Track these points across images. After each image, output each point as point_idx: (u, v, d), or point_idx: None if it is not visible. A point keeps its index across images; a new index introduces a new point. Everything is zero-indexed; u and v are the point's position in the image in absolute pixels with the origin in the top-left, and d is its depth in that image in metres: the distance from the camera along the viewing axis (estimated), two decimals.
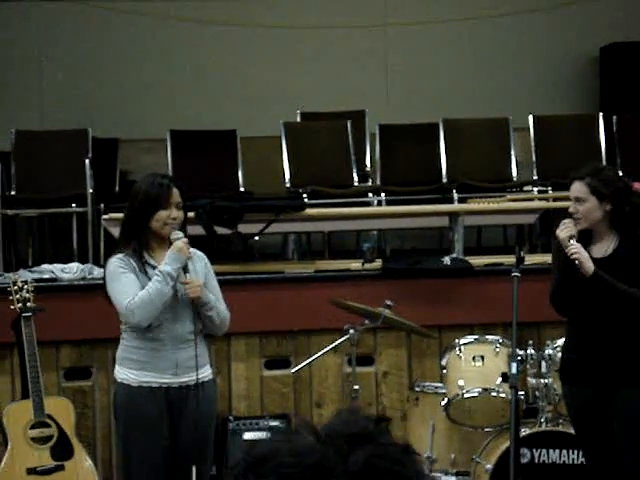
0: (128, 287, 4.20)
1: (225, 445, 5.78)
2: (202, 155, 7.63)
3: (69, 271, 6.11)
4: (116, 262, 4.26)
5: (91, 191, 7.23)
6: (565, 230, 4.26)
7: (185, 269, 4.23)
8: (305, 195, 7.23)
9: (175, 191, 4.25)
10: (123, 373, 4.30)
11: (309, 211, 6.60)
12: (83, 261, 6.51)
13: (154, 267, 4.25)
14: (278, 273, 6.32)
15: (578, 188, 4.28)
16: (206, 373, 4.37)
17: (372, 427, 1.24)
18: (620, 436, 4.27)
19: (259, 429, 5.78)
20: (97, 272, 6.13)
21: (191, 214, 6.36)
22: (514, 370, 4.36)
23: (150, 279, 4.21)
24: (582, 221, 4.27)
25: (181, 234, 4.25)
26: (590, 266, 4.20)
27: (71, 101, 8.63)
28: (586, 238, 4.33)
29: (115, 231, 6.60)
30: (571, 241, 4.24)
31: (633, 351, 4.26)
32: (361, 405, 5.50)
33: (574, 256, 4.20)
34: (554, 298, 4.42)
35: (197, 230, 6.36)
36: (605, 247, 4.33)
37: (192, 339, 4.26)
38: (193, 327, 4.26)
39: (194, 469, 4.23)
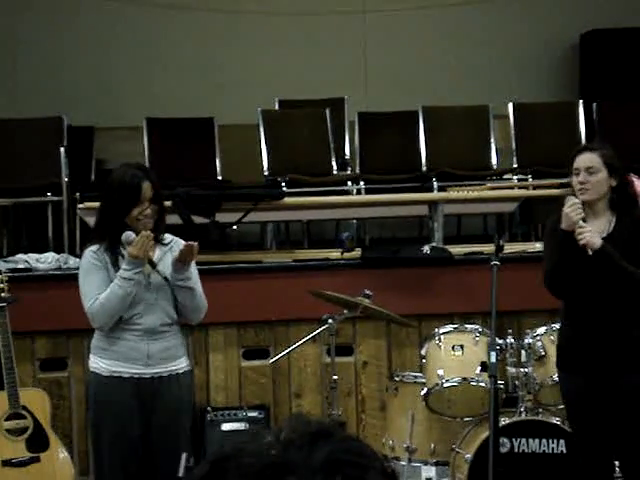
0: (94, 288, 4.17)
1: (203, 436, 5.73)
2: (179, 143, 7.56)
3: (44, 261, 6.04)
4: (90, 256, 4.22)
5: (66, 180, 7.15)
6: (577, 212, 4.13)
7: (152, 264, 4.18)
8: (283, 184, 7.18)
9: (146, 186, 4.16)
10: (95, 362, 4.28)
11: (287, 200, 6.55)
12: (58, 251, 6.44)
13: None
14: (256, 263, 6.27)
15: (591, 158, 4.21)
16: (181, 365, 4.33)
17: (331, 424, 1.27)
18: (621, 422, 4.22)
19: (237, 420, 5.73)
20: (72, 262, 6.06)
21: (168, 203, 6.31)
22: (493, 359, 4.33)
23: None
24: (591, 192, 4.19)
25: (131, 235, 4.13)
26: (598, 240, 4.12)
27: (46, 88, 8.53)
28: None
29: (91, 220, 6.53)
30: (582, 222, 4.15)
31: (633, 336, 4.20)
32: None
33: (584, 240, 4.09)
34: (550, 279, 4.33)
35: (174, 219, 6.31)
36: (602, 227, 4.25)
37: (165, 331, 4.24)
38: (167, 319, 4.24)
39: (184, 456, 4.21)
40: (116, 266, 4.18)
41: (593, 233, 4.13)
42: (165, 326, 4.24)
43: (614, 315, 4.20)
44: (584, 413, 4.31)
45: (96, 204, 6.39)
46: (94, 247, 4.22)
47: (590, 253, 4.10)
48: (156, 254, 4.28)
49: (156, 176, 4.33)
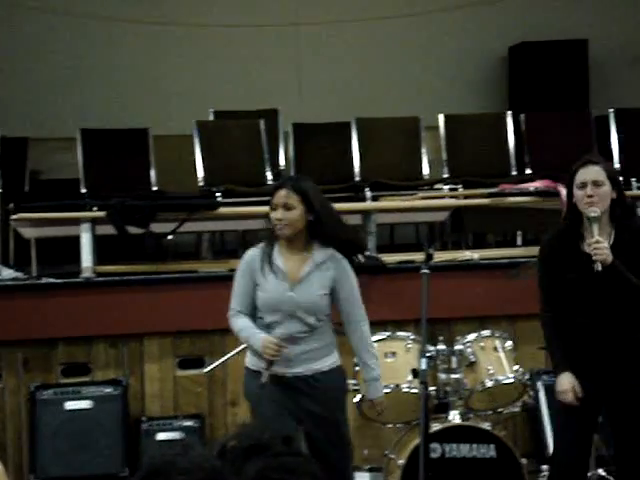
0: (236, 296, 4.40)
1: (138, 446, 5.74)
2: (114, 154, 7.53)
3: None
4: (244, 259, 4.43)
5: (0, 191, 7.11)
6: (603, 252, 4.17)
7: (269, 365, 4.27)
8: (218, 194, 7.20)
9: (281, 192, 4.32)
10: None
11: (223, 210, 6.59)
12: None
13: (277, 268, 4.34)
14: (192, 272, 6.30)
15: (598, 171, 4.24)
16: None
17: (269, 438, 1.22)
18: (620, 426, 4.27)
19: (173, 429, 5.75)
20: (6, 273, 6.04)
21: (102, 214, 6.33)
22: (424, 366, 4.40)
23: (268, 279, 4.33)
24: (600, 205, 4.20)
25: (281, 335, 4.31)
26: (610, 257, 4.14)
27: None
28: (576, 231, 4.28)
29: (25, 231, 6.52)
30: (598, 237, 4.18)
31: (634, 343, 4.25)
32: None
33: (599, 257, 4.12)
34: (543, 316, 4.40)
35: (109, 230, 6.31)
36: (603, 239, 4.25)
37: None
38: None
39: None
40: (264, 271, 4.32)
41: (608, 249, 4.15)
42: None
43: (616, 322, 4.23)
44: (585, 417, 4.29)
45: (31, 215, 6.42)
46: (254, 249, 4.42)
47: (599, 269, 4.13)
48: (305, 269, 4.36)
49: (309, 189, 4.39)
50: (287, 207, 4.28)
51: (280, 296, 4.32)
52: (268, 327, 4.35)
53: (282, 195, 4.29)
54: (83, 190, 7.24)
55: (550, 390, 5.90)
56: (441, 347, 5.23)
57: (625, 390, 4.27)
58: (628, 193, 7.27)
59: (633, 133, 7.78)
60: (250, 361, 4.46)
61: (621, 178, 7.62)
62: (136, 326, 5.96)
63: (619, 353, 4.26)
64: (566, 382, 4.27)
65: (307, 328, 4.35)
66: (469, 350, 5.23)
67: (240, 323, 4.38)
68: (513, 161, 7.69)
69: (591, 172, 4.23)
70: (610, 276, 4.17)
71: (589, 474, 4.91)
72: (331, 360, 4.44)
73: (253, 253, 4.41)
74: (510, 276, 5.63)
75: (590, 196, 4.19)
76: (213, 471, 1.18)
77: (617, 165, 7.70)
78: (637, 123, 7.85)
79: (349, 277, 4.42)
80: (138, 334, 5.95)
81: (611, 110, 7.86)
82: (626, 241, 4.25)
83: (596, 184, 4.21)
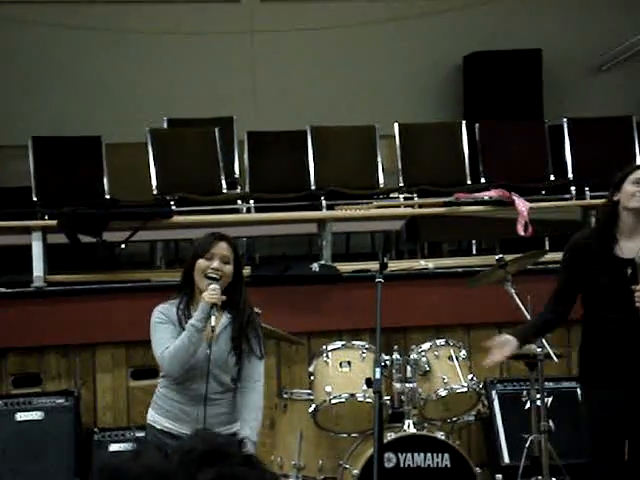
0: (163, 339, 4.14)
1: (90, 457, 5.67)
2: (66, 162, 7.46)
3: None
4: (158, 310, 4.21)
5: None
6: None
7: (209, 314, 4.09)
8: (172, 202, 7.16)
9: (223, 244, 4.15)
10: None
11: (177, 218, 6.55)
12: None
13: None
14: (145, 282, 6.24)
15: None
16: None
17: (225, 444, 1.21)
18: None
19: (125, 440, 5.69)
20: None
21: (54, 222, 6.26)
22: (378, 375, 4.39)
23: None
24: None
25: (215, 286, 4.10)
26: None
27: None
28: (609, 234, 4.30)
29: None
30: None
31: None
32: None
33: None
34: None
35: (61, 238, 6.25)
36: (636, 246, 4.28)
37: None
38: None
39: None
40: (180, 323, 4.14)
41: None
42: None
43: None
44: (616, 428, 4.26)
45: None
46: (161, 306, 4.21)
47: None
48: (221, 321, 4.21)
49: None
50: (225, 261, 4.15)
51: (197, 353, 4.13)
52: (180, 385, 4.17)
53: (224, 247, 4.15)
54: (35, 198, 7.17)
55: (504, 399, 5.95)
56: (396, 356, 5.22)
57: None
58: (581, 202, 7.40)
59: (586, 142, 7.84)
60: (152, 418, 4.27)
61: (573, 188, 7.73)
62: (88, 336, 5.90)
63: None
64: (504, 337, 4.33)
65: (222, 389, 4.20)
66: (424, 359, 5.22)
67: (171, 345, 4.11)
68: (468, 170, 7.73)
69: None
70: None
71: None
72: (237, 427, 4.26)
73: (165, 306, 4.21)
74: (469, 283, 5.62)
75: None
76: (165, 476, 1.17)
77: (570, 175, 7.77)
78: (590, 132, 7.92)
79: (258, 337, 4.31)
80: (90, 344, 5.89)
81: (565, 119, 7.92)
82: None
83: None
